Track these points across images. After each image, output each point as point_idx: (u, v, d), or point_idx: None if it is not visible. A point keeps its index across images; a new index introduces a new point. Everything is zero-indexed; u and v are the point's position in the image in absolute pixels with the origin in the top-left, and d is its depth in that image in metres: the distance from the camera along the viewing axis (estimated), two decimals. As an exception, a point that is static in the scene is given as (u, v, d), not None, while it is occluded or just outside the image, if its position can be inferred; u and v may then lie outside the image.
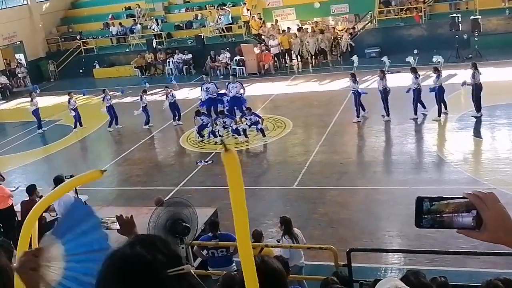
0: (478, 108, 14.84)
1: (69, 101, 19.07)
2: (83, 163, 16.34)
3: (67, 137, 19.06)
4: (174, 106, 18.31)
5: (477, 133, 14.13)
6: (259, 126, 15.57)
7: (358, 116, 15.92)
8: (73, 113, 18.98)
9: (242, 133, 15.64)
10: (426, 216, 1.46)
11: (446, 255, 7.85)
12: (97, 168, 2.02)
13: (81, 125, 19.30)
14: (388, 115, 15.60)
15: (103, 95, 18.62)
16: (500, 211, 1.43)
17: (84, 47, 30.27)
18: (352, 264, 6.49)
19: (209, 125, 16.03)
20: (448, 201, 1.45)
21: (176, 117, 18.39)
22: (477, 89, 14.79)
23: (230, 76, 18.49)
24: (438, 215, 1.45)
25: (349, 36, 24.84)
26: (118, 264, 1.33)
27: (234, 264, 7.91)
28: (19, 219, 10.05)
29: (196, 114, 16.22)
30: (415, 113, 15.37)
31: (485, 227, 1.43)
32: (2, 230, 10.13)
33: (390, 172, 12.64)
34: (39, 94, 27.23)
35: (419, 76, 15.51)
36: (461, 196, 1.46)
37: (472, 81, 14.80)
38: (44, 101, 25.46)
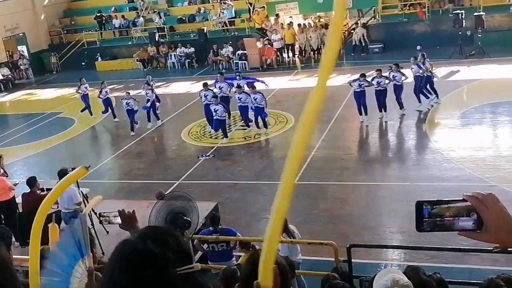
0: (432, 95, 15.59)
1: (101, 91, 18.88)
2: (85, 156, 16.33)
3: (69, 129, 19.08)
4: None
5: (479, 130, 14.11)
6: (265, 115, 15.58)
7: (421, 100, 15.76)
8: (100, 101, 18.98)
9: (254, 124, 15.84)
10: (426, 219, 1.45)
11: (446, 252, 7.85)
12: (83, 165, 2.06)
13: (90, 114, 19.45)
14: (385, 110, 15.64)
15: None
16: (501, 211, 1.42)
17: (87, 39, 30.26)
18: (353, 260, 6.51)
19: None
20: (448, 205, 1.45)
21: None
22: (428, 78, 15.37)
23: (235, 88, 16.53)
24: (439, 219, 1.44)
25: (365, 30, 24.68)
26: (127, 257, 1.32)
27: (234, 258, 7.93)
28: (20, 211, 10.08)
29: (203, 86, 16.31)
30: (420, 101, 15.70)
31: (486, 228, 1.42)
32: (3, 222, 10.14)
33: (391, 168, 12.63)
34: (41, 86, 27.38)
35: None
36: (461, 199, 1.45)
37: (421, 71, 15.27)
38: (46, 94, 25.54)
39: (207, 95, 15.94)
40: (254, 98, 15.42)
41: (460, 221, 1.44)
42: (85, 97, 19.41)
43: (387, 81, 15.10)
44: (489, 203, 1.42)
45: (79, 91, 19.45)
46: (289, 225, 7.88)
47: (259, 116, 15.74)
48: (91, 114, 19.42)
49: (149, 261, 1.29)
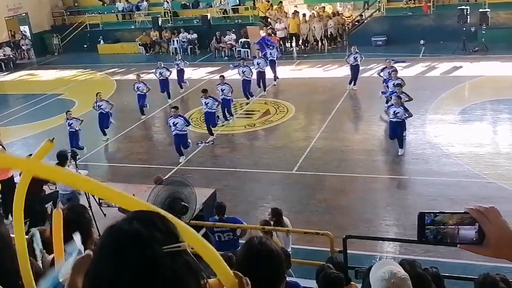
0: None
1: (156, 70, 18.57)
2: (84, 138, 16.29)
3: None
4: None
5: (479, 127, 14.11)
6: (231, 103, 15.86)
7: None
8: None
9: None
10: (429, 227, 1.46)
11: (441, 246, 7.89)
12: (47, 138, 2.07)
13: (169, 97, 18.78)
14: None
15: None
16: (502, 225, 1.43)
17: (90, 22, 30.15)
18: (348, 251, 6.54)
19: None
20: (452, 214, 1.46)
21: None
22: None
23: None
24: (442, 226, 1.45)
25: (345, 23, 24.71)
26: (113, 238, 1.33)
27: (240, 248, 7.94)
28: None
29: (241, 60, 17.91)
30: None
31: (487, 242, 1.43)
32: (2, 200, 10.17)
33: (390, 161, 12.64)
34: (43, 67, 27.31)
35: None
36: (463, 211, 1.46)
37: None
38: (47, 75, 25.49)
39: (245, 71, 17.10)
40: (221, 89, 15.50)
41: (463, 230, 1.44)
42: (162, 81, 18.46)
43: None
44: (491, 217, 1.43)
45: (156, 74, 18.48)
46: (283, 218, 7.89)
47: (225, 108, 15.73)
48: (169, 97, 18.62)
49: (135, 240, 1.30)
